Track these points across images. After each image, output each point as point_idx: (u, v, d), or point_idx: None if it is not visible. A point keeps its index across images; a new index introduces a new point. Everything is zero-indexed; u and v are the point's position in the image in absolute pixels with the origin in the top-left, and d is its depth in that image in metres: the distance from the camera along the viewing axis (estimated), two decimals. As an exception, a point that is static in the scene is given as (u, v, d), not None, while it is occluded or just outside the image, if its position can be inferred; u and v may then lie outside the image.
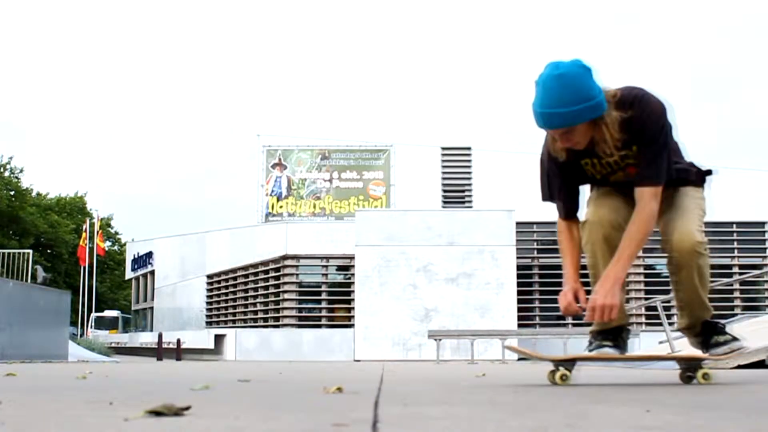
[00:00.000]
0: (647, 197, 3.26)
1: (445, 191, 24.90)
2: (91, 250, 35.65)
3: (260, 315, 24.11)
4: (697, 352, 3.67)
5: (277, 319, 23.25)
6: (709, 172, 3.83)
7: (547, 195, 3.55)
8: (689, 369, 3.63)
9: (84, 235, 35.40)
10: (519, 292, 20.32)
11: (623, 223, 3.35)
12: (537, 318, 22.23)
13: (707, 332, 3.63)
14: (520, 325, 19.80)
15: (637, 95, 3.18)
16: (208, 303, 26.82)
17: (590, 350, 3.62)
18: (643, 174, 3.26)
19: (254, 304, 24.37)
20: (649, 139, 3.21)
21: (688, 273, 3.54)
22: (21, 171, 44.07)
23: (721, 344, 3.58)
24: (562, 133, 3.10)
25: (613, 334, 3.59)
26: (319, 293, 23.41)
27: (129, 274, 35.99)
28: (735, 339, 3.63)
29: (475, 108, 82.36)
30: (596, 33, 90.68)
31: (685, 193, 3.61)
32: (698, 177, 3.74)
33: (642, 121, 3.17)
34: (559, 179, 3.44)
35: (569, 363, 3.51)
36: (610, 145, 3.19)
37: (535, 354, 4.19)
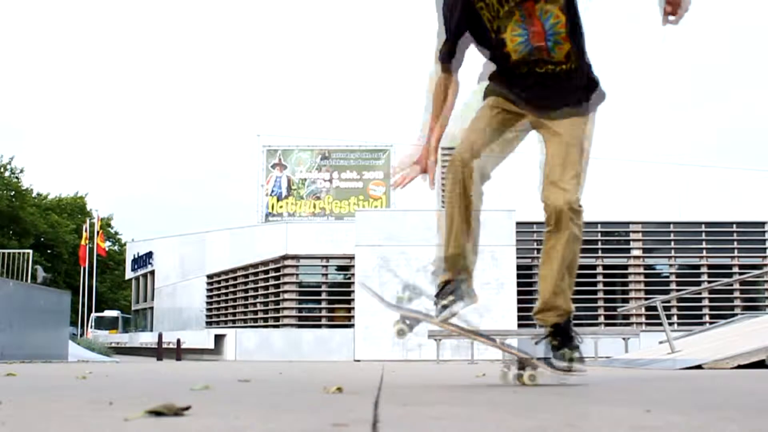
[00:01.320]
0: None
1: (445, 191, 24.89)
2: (90, 250, 35.65)
3: (260, 315, 24.11)
4: (534, 350, 3.42)
5: (277, 319, 23.25)
6: (595, 85, 3.37)
7: (445, 33, 3.30)
8: (520, 365, 3.34)
9: (85, 235, 35.40)
10: (519, 292, 20.31)
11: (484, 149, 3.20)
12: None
13: (561, 337, 3.35)
14: (520, 326, 19.78)
15: None
16: (208, 303, 26.82)
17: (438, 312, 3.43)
18: None
19: (254, 304, 24.37)
20: None
21: (558, 240, 3.24)
22: (21, 171, 44.11)
23: (566, 361, 3.28)
24: None
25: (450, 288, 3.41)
26: (319, 293, 23.41)
27: (129, 274, 35.98)
28: (581, 361, 3.33)
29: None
30: (596, 33, 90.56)
31: (572, 124, 3.28)
32: (586, 95, 3.32)
33: None
34: (459, 13, 3.21)
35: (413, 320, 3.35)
36: None
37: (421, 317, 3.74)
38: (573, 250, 3.24)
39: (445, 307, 3.31)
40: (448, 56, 3.34)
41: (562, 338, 3.32)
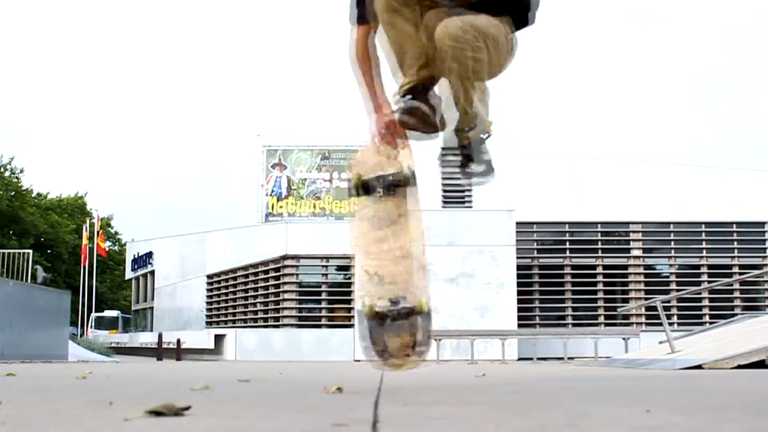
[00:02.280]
0: None
1: (445, 191, 24.88)
2: (90, 250, 35.64)
3: (260, 315, 24.11)
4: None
5: (277, 319, 23.25)
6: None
7: None
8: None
9: (85, 234, 35.40)
10: (519, 292, 20.32)
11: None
12: (537, 318, 22.23)
13: (471, 151, 3.33)
14: (519, 325, 19.80)
15: None
16: (208, 303, 26.81)
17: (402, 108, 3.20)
18: None
19: (254, 304, 24.37)
20: None
21: (454, 66, 3.03)
22: (21, 171, 44.09)
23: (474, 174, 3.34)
24: None
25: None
26: (319, 293, 23.40)
27: (129, 274, 35.96)
28: (490, 171, 3.35)
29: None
30: (597, 33, 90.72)
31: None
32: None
33: None
34: None
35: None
36: None
37: None
38: (463, 66, 3.02)
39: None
40: (362, 17, 3.21)
41: (468, 156, 3.33)
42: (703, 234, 22.73)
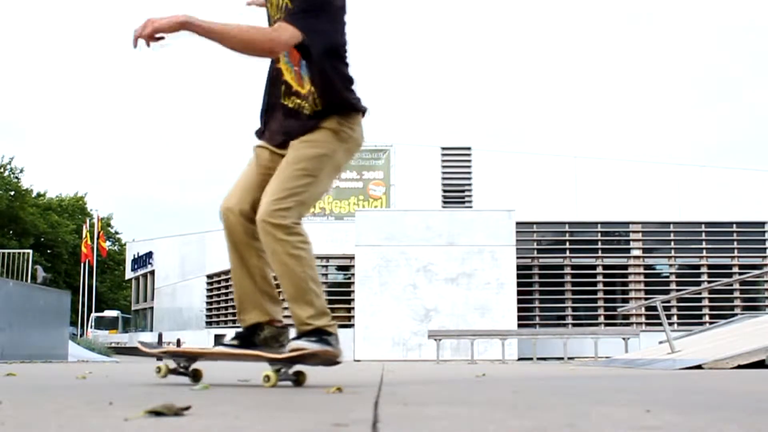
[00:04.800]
0: (281, 26, 3.03)
1: (445, 191, 24.89)
2: (92, 249, 35.64)
3: (260, 315, 24.10)
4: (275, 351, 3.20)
5: (277, 319, 23.25)
6: (345, 107, 3.18)
7: None
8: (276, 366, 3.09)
9: (86, 234, 35.38)
10: (519, 292, 20.32)
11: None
12: (537, 318, 22.23)
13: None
14: (519, 325, 19.80)
15: None
16: (208, 303, 26.82)
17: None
18: (290, 14, 3.04)
19: (254, 304, 24.36)
20: None
21: (270, 256, 3.09)
22: (21, 171, 44.09)
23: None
24: None
25: (245, 333, 3.28)
26: (319, 293, 23.39)
27: (129, 274, 36.00)
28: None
29: (475, 108, 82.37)
30: (598, 34, 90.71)
31: (302, 146, 3.13)
32: (330, 111, 3.15)
33: None
34: None
35: (183, 358, 3.31)
36: None
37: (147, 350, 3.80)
38: (286, 269, 3.06)
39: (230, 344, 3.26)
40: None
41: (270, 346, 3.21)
42: (703, 234, 22.73)
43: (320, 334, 3.09)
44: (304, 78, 3.15)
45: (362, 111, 3.25)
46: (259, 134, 3.35)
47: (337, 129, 3.14)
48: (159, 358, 3.48)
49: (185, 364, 3.31)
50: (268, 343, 3.23)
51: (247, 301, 3.28)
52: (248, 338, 3.26)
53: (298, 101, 3.19)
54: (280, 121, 3.24)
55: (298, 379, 3.18)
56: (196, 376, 3.34)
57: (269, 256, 3.08)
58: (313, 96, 3.14)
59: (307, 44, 3.05)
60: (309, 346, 3.04)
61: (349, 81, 3.21)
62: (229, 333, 22.61)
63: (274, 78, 3.29)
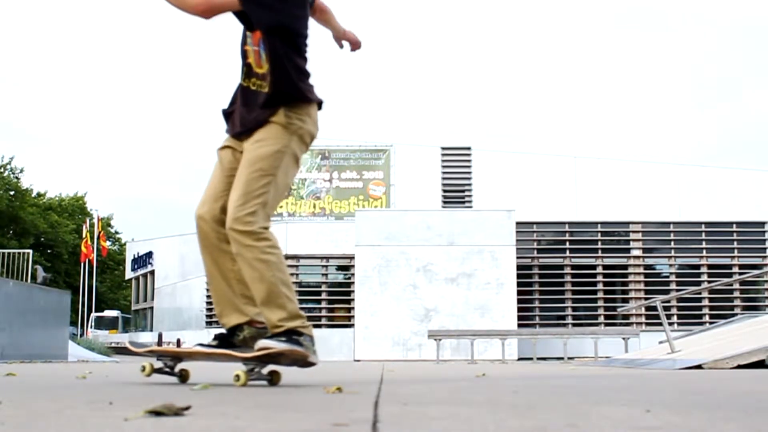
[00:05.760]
0: None
1: (445, 191, 24.89)
2: (91, 249, 35.64)
3: (260, 315, 24.11)
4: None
5: (277, 319, 23.24)
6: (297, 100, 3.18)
7: None
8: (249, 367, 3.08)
9: (86, 234, 35.39)
10: (519, 292, 20.32)
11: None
12: (537, 318, 22.23)
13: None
14: (519, 325, 19.80)
15: None
16: (208, 303, 26.79)
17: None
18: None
19: (254, 304, 24.37)
20: None
21: (240, 262, 3.13)
22: (21, 171, 44.08)
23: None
24: None
25: (225, 334, 3.32)
26: (319, 293, 23.40)
27: (129, 274, 35.99)
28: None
29: (475, 108, 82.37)
30: (598, 34, 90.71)
31: (254, 147, 3.15)
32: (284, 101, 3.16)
33: None
34: None
35: (167, 357, 3.34)
36: None
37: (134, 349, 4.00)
38: (257, 274, 3.09)
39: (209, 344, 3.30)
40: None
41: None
42: (703, 234, 22.73)
43: (291, 335, 3.09)
44: (262, 57, 3.16)
45: (317, 102, 3.26)
46: (225, 116, 3.36)
47: (285, 123, 3.15)
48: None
49: (170, 363, 3.33)
50: (248, 343, 3.24)
51: (225, 305, 3.33)
52: (227, 339, 3.29)
53: (259, 82, 3.20)
54: (239, 111, 3.26)
55: (273, 379, 3.20)
56: (183, 376, 3.35)
57: (239, 261, 3.12)
58: (270, 76, 3.16)
59: (247, 13, 3.10)
60: (276, 345, 3.04)
61: (304, 73, 3.23)
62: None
63: (242, 61, 3.30)
